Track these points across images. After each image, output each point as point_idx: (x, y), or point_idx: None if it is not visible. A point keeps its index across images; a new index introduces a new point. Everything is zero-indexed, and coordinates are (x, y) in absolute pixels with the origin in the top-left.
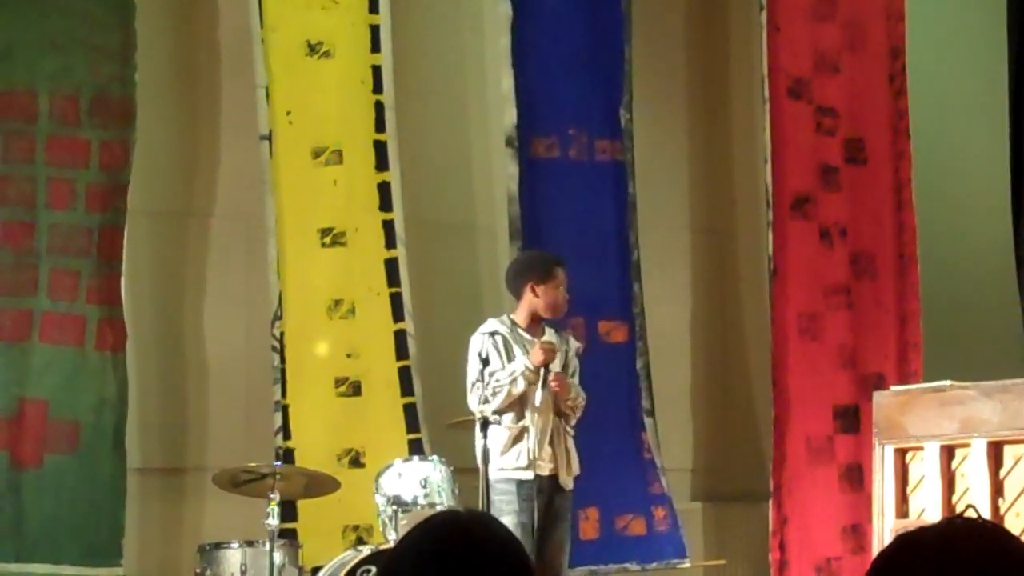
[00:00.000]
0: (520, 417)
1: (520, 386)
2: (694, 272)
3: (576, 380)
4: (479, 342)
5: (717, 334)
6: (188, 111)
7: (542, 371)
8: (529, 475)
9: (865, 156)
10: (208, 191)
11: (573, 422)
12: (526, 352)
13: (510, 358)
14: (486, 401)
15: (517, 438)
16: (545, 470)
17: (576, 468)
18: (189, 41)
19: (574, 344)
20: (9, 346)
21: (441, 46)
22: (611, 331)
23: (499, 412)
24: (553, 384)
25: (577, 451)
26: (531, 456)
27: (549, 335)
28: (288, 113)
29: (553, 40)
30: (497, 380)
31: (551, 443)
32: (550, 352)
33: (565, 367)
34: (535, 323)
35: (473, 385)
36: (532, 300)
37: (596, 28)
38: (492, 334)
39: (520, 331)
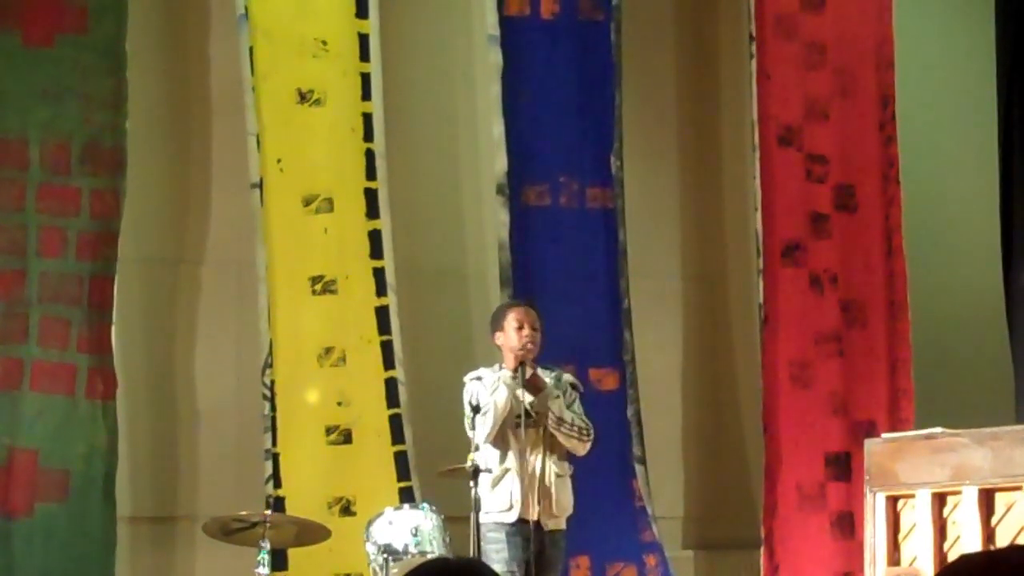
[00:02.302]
0: (504, 459)
1: (503, 394)
2: (685, 320)
3: (577, 407)
4: (468, 389)
5: (708, 382)
6: (179, 159)
7: (520, 374)
8: (512, 517)
9: (855, 203)
10: (199, 239)
11: (582, 450)
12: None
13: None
14: (479, 446)
15: (500, 480)
16: (531, 514)
17: (559, 509)
18: (180, 89)
19: (568, 378)
20: None
21: (432, 94)
22: (602, 378)
23: (490, 444)
24: (529, 371)
25: (573, 493)
26: (512, 499)
27: (542, 373)
28: (279, 161)
29: (544, 88)
30: (484, 402)
31: (538, 485)
32: (523, 354)
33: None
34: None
35: (469, 423)
36: (503, 348)
37: (586, 76)
38: (477, 378)
39: (505, 372)
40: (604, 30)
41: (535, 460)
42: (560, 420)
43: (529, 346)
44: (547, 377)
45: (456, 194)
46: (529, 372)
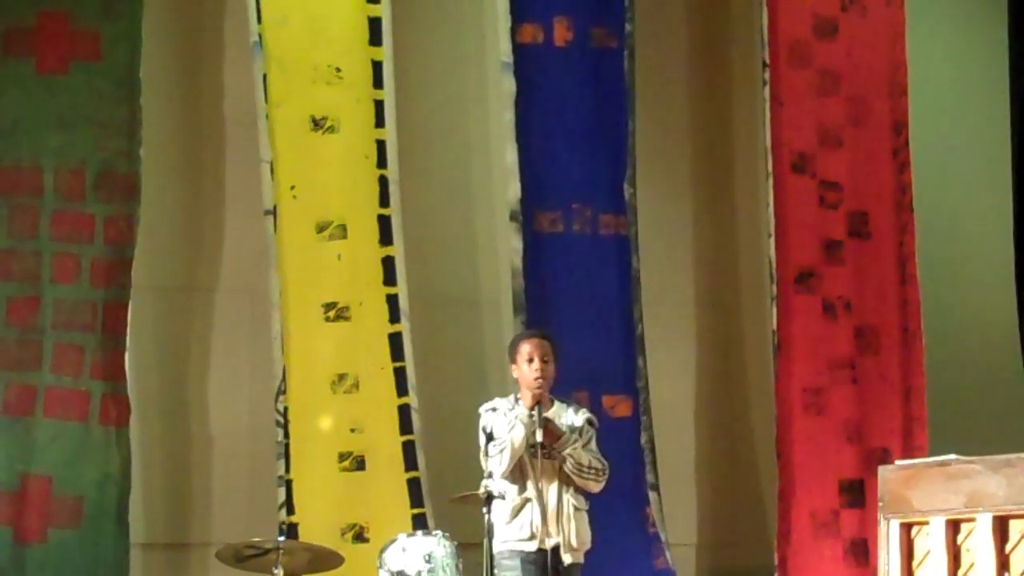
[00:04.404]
0: (523, 489)
1: (519, 432)
2: (698, 346)
3: (593, 446)
4: (482, 419)
5: (722, 408)
6: (193, 186)
7: (536, 413)
8: (532, 546)
9: (869, 230)
10: (212, 266)
11: (596, 488)
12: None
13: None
14: (491, 473)
15: (519, 509)
16: (550, 544)
17: (578, 542)
18: (194, 117)
19: (583, 414)
20: (13, 421)
21: (446, 121)
22: (616, 405)
23: (507, 477)
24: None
25: (590, 526)
26: (533, 528)
27: (557, 407)
28: (292, 188)
29: (557, 115)
30: (499, 437)
31: (556, 516)
32: (540, 392)
33: (579, 436)
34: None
35: (484, 454)
36: (518, 380)
37: (600, 103)
38: (492, 410)
39: (519, 406)
40: (617, 57)
41: (552, 490)
42: (580, 465)
43: (539, 380)
44: (564, 410)
45: (469, 221)
46: (545, 412)
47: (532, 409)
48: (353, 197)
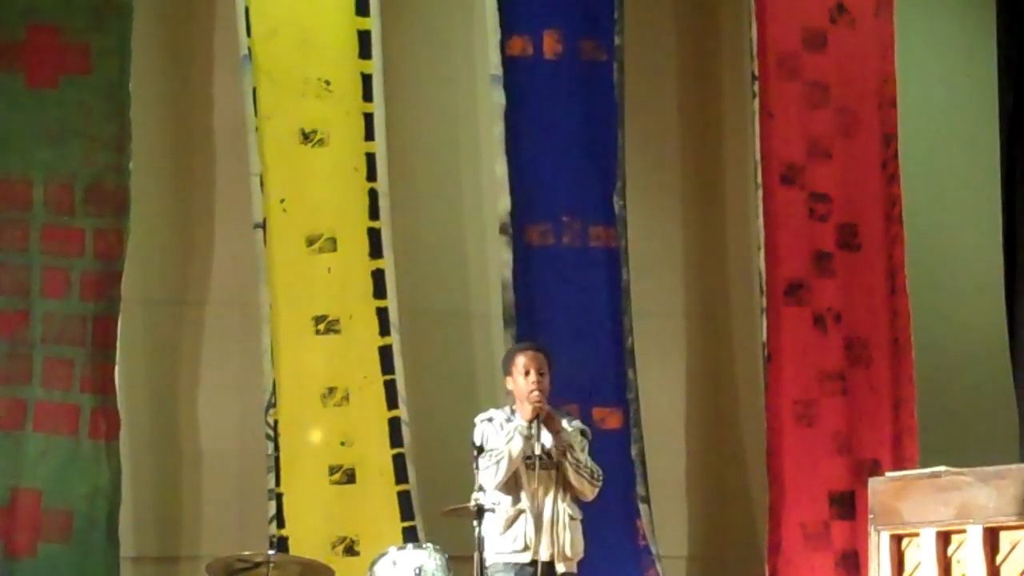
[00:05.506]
0: (516, 500)
1: (517, 444)
2: (688, 358)
3: (586, 454)
4: (477, 430)
5: (712, 420)
6: (182, 199)
7: (534, 425)
8: (526, 558)
9: (858, 242)
10: (202, 279)
11: (590, 494)
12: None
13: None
14: (482, 486)
15: (513, 521)
16: (544, 555)
17: (572, 552)
18: (183, 130)
19: (576, 425)
20: (3, 435)
21: (435, 134)
22: (605, 417)
23: (501, 488)
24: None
25: (584, 535)
26: (527, 539)
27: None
28: (282, 201)
29: (547, 127)
30: (494, 448)
31: (551, 527)
32: (540, 406)
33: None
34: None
35: (476, 466)
36: (513, 392)
37: (589, 116)
38: (488, 420)
39: (516, 417)
40: (607, 70)
41: (548, 501)
42: (577, 460)
43: (536, 393)
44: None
45: (459, 233)
46: (544, 413)
47: (531, 422)
48: (343, 210)
